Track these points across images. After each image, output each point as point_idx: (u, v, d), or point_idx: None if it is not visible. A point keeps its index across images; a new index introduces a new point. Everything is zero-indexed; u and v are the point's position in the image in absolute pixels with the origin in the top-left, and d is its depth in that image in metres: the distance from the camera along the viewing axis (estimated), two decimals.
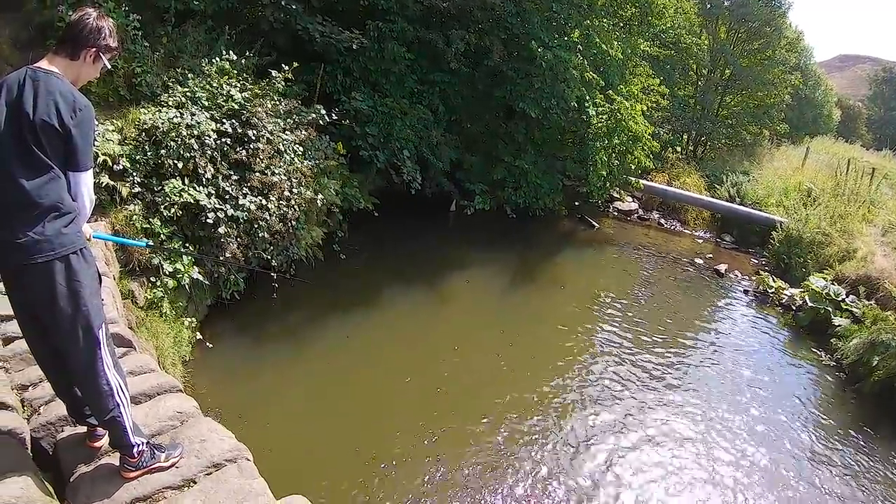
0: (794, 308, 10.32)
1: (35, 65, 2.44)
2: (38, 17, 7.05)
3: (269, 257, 7.27)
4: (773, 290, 10.96)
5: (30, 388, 3.31)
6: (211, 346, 6.49)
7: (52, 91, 2.36)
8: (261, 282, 7.41)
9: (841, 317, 9.33)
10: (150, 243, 5.88)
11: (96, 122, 4.92)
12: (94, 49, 2.54)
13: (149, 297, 5.87)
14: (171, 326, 5.94)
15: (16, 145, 2.31)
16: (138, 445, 2.74)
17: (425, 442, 5.60)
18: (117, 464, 2.79)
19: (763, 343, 9.15)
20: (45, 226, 2.36)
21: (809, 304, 9.83)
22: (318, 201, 8.04)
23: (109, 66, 2.72)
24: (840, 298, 9.79)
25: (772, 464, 6.08)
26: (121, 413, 2.66)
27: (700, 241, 14.85)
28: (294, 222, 7.56)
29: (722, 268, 12.23)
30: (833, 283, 10.28)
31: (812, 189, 15.23)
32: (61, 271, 2.43)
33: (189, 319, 6.31)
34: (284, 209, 7.37)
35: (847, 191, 14.47)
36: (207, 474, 2.91)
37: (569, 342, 8.08)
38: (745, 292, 11.26)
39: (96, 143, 5.69)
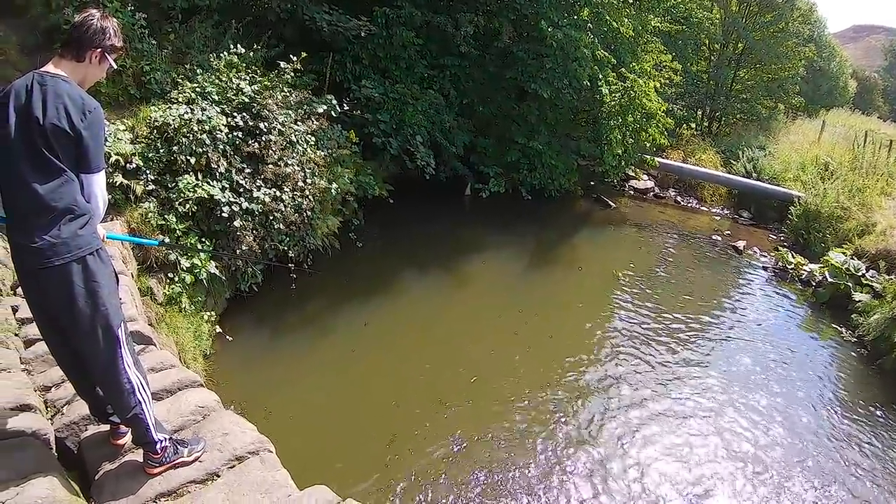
0: (813, 284, 10.20)
1: (41, 69, 2.43)
2: (44, 21, 7.08)
3: (285, 248, 7.30)
4: (792, 265, 10.84)
5: (52, 388, 3.35)
6: (231, 338, 6.54)
7: (60, 94, 2.35)
8: (278, 273, 7.45)
9: (861, 292, 9.20)
10: (166, 240, 5.92)
11: (106, 123, 4.95)
12: (98, 50, 2.52)
13: (167, 293, 5.92)
14: (191, 321, 5.99)
15: (27, 150, 2.31)
16: (161, 441, 2.77)
17: (444, 423, 5.63)
18: (141, 460, 2.82)
19: (783, 319, 9.06)
20: (60, 229, 2.37)
21: (829, 279, 9.72)
22: (333, 190, 8.05)
23: (116, 67, 2.71)
24: (860, 273, 9.66)
25: (792, 439, 6.03)
26: (142, 410, 2.68)
27: (717, 217, 14.71)
28: (309, 212, 7.57)
29: (740, 244, 12.11)
30: (853, 258, 10.14)
31: (829, 163, 14.96)
32: (78, 273, 2.44)
33: (208, 313, 6.37)
34: (299, 200, 7.38)
35: (865, 164, 14.21)
36: (230, 467, 2.93)
37: (586, 321, 8.07)
38: (764, 268, 11.15)
39: (108, 143, 5.73)
